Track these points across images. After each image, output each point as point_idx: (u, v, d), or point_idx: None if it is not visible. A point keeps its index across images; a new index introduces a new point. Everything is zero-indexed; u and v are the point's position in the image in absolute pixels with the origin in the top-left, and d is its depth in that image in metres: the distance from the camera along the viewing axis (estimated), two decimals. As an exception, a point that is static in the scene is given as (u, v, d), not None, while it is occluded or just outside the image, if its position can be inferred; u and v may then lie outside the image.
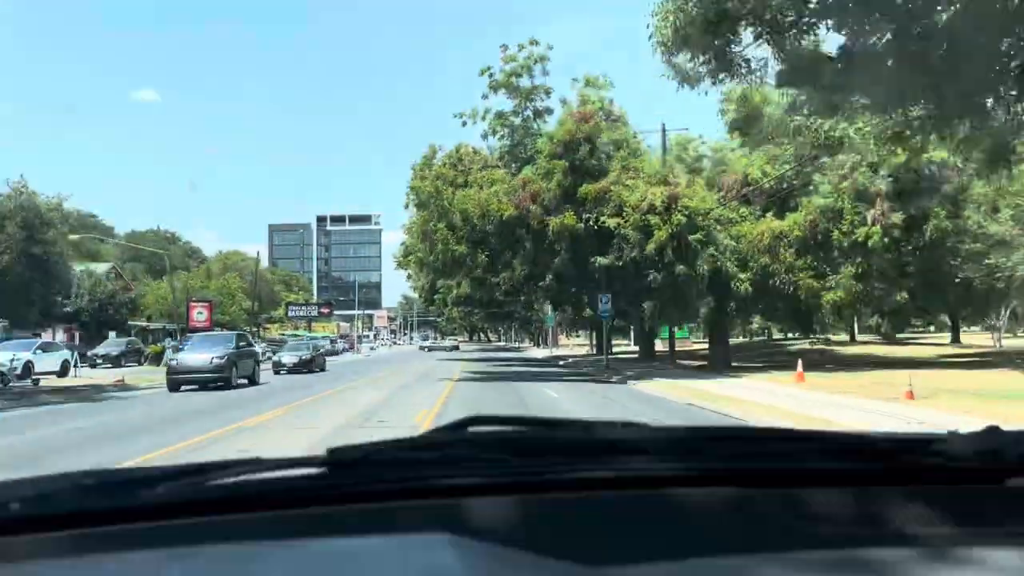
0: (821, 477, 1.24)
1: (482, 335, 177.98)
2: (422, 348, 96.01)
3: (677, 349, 48.96)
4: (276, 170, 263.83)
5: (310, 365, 32.80)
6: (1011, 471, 1.25)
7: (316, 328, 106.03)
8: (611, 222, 26.19)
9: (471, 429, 1.34)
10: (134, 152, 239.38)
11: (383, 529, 1.08)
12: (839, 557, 1.02)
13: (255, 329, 70.60)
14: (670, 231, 25.29)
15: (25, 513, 1.13)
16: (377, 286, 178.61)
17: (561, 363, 46.56)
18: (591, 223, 26.86)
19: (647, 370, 32.33)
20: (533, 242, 27.93)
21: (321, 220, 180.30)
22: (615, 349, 57.67)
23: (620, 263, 26.57)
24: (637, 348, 46.97)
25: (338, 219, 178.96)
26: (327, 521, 1.11)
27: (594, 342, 66.55)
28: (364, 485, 1.19)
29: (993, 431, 1.34)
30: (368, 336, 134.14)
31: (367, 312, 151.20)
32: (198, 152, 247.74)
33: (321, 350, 35.41)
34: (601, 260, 26.57)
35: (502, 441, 1.30)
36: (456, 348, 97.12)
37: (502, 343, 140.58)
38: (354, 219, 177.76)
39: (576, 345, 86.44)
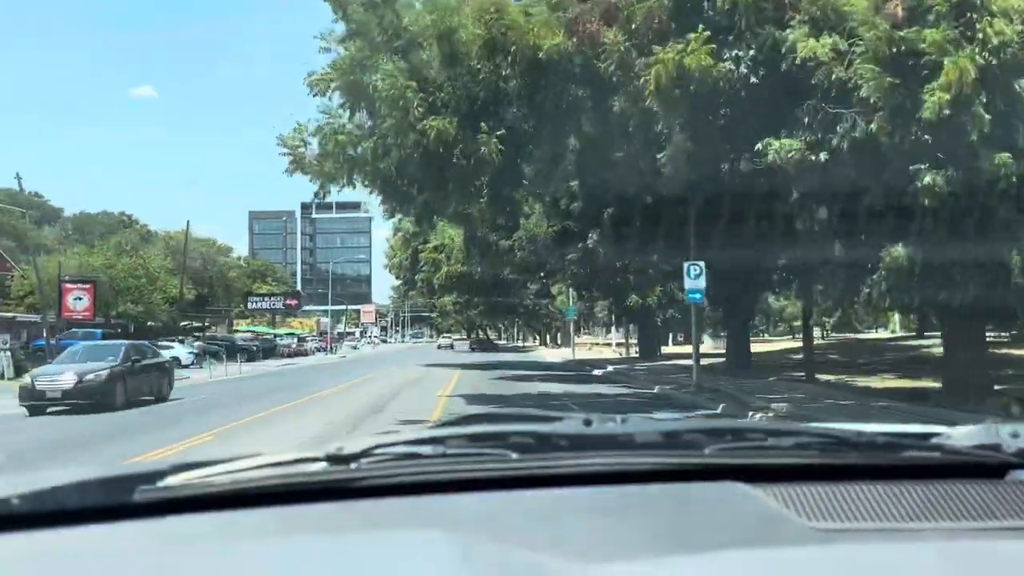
0: (820, 472, 1.22)
1: (480, 332, 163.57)
2: (440, 347, 78.76)
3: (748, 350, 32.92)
4: (264, 155, 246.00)
5: (108, 392, 15.63)
6: (1011, 465, 1.24)
7: (292, 324, 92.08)
8: (816, 50, 10.51)
9: (472, 424, 1.36)
10: (131, 148, 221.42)
11: (383, 524, 1.08)
12: (839, 552, 1.00)
13: (192, 324, 54.98)
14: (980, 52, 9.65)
15: (26, 509, 1.11)
16: (367, 279, 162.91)
17: (596, 372, 31.17)
18: (754, 64, 11.27)
19: (803, 398, 16.81)
20: (600, 116, 12.26)
21: (306, 208, 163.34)
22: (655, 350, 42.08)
23: (813, 155, 10.94)
24: (720, 351, 31.22)
25: (324, 207, 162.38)
26: (328, 516, 1.11)
27: (630, 340, 50.83)
28: (365, 480, 1.17)
29: (992, 426, 1.33)
30: (353, 334, 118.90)
31: (354, 307, 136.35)
32: (193, 147, 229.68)
33: (148, 358, 18.05)
34: (780, 144, 10.91)
35: (502, 436, 1.29)
36: (494, 347, 79.90)
37: (503, 341, 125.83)
38: (341, 207, 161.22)
39: (595, 345, 70.38)
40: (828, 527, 1.06)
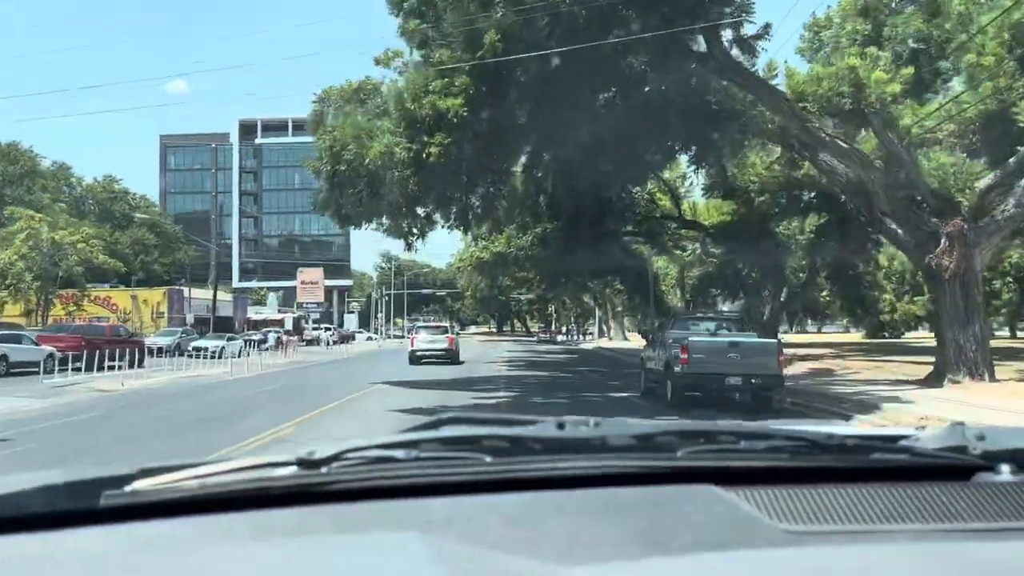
0: (792, 475, 1.24)
1: (516, 323, 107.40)
2: (419, 358, 30.86)
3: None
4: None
5: None
6: (977, 467, 1.26)
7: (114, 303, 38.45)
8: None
9: (445, 428, 1.35)
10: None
11: (355, 528, 1.08)
12: (809, 554, 1.01)
13: None
14: None
15: None
16: (342, 242, 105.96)
17: None
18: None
19: None
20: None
21: (248, 130, 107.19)
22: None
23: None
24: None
25: (274, 127, 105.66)
26: (299, 520, 1.10)
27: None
28: (336, 484, 1.17)
29: (958, 427, 1.35)
30: (280, 322, 62.81)
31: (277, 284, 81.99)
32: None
33: None
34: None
35: (476, 440, 1.28)
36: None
37: (561, 334, 70.30)
38: (301, 126, 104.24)
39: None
40: (799, 529, 1.07)
